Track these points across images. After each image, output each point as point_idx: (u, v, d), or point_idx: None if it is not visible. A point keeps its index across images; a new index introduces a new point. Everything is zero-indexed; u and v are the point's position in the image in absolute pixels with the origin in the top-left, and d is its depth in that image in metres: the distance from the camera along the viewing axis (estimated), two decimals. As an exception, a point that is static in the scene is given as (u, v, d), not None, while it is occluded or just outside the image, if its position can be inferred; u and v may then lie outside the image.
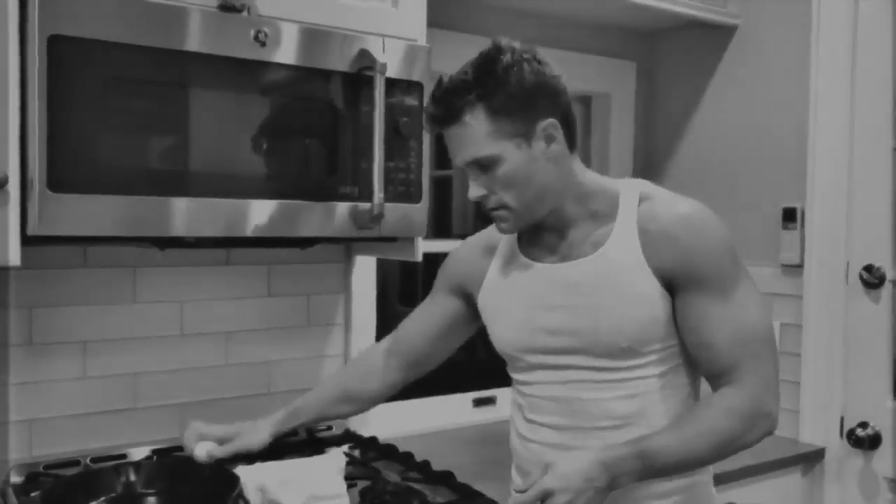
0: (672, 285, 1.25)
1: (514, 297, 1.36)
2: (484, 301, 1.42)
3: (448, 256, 1.54)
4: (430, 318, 1.53)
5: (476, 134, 1.22)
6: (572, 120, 1.29)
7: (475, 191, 1.26)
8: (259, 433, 1.49)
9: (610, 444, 1.22)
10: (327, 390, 1.58)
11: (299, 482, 1.39)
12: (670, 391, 1.29)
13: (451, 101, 1.22)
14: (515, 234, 1.38)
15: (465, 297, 1.48)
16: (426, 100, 1.58)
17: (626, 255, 1.25)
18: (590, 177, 1.32)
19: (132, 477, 1.42)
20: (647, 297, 1.24)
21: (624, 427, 1.27)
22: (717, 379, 1.26)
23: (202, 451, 1.44)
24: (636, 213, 1.27)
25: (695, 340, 1.26)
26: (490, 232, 1.43)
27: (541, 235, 1.34)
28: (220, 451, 1.45)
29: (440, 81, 1.25)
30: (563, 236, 1.32)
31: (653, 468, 1.20)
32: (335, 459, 1.48)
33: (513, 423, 1.42)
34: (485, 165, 1.23)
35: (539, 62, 1.24)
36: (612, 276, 1.25)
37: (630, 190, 1.30)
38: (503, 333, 1.37)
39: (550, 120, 1.23)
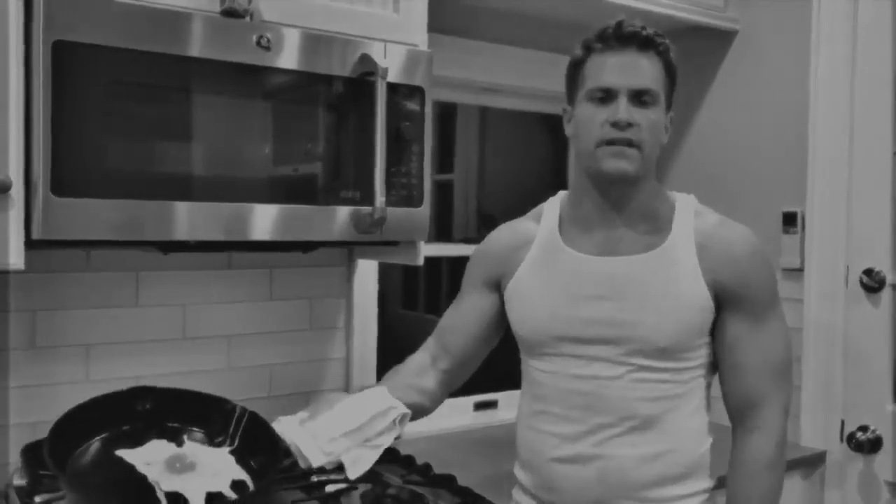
0: (719, 301, 1.27)
1: (551, 284, 1.34)
2: (514, 286, 1.39)
3: (475, 252, 1.50)
4: (465, 317, 1.46)
5: (655, 71, 1.28)
6: None
7: (629, 114, 1.25)
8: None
9: None
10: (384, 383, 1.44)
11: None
12: (688, 399, 1.30)
13: (654, 35, 1.28)
14: (556, 226, 1.38)
15: (498, 290, 1.44)
16: (428, 104, 1.60)
17: (682, 259, 1.27)
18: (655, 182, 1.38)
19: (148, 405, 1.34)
20: (696, 303, 1.26)
21: (640, 430, 1.27)
22: (742, 413, 1.30)
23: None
24: (693, 225, 1.30)
25: (728, 361, 1.29)
26: (524, 225, 1.43)
27: (588, 229, 1.34)
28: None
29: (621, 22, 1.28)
30: (612, 231, 1.32)
31: None
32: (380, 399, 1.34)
33: (521, 415, 1.41)
34: (647, 101, 1.27)
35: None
36: (665, 276, 1.27)
37: (686, 203, 1.34)
38: (534, 317, 1.35)
39: (672, 114, 1.34)
